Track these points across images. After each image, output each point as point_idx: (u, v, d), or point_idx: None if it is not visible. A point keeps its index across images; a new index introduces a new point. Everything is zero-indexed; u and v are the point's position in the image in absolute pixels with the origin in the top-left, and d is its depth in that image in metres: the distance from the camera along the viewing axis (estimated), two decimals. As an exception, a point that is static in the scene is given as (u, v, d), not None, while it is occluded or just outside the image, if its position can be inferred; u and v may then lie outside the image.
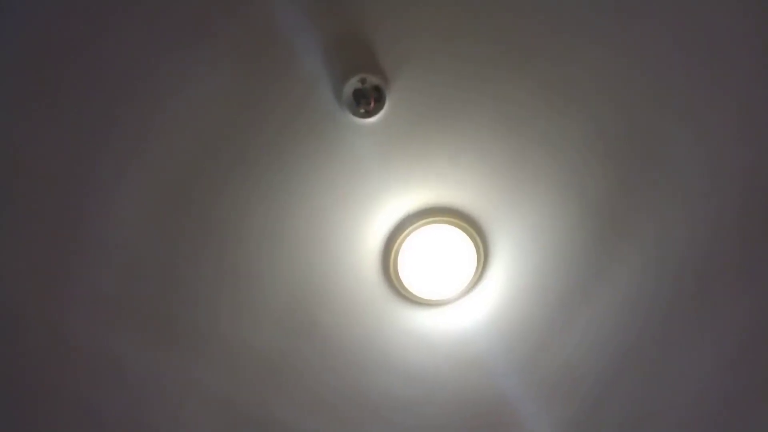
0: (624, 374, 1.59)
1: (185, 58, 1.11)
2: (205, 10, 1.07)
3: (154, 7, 1.06)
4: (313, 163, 1.23)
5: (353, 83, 1.13)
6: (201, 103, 1.15)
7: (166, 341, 1.37)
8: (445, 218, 1.34)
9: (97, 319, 1.31)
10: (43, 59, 1.07)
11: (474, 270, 1.39)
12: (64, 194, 1.19)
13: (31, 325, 1.29)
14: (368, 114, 1.16)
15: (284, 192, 1.25)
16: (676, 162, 1.33)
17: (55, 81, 1.10)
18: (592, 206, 1.36)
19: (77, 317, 1.30)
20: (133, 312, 1.32)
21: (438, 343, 1.49)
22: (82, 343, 1.33)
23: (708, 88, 1.26)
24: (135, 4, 1.05)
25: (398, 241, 1.35)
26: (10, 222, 1.20)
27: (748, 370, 1.61)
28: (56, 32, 1.06)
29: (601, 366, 1.57)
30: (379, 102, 1.15)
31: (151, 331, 1.35)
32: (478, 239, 1.35)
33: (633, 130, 1.29)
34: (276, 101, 1.16)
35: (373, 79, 1.13)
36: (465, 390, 1.56)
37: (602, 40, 1.18)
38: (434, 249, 1.37)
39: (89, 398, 1.39)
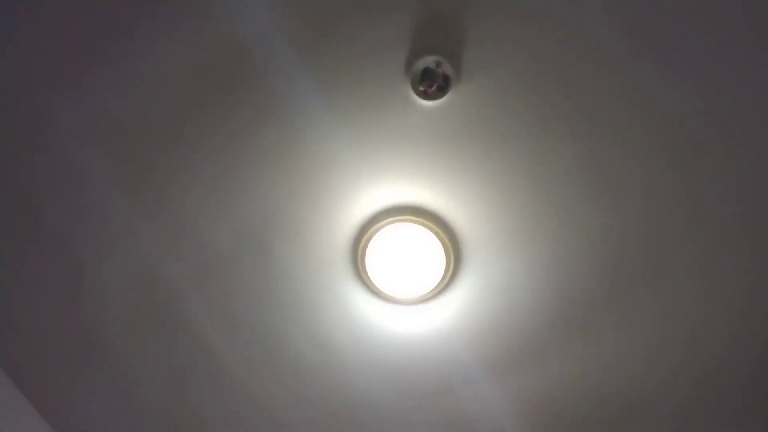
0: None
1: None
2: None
3: None
4: (353, 112, 1.22)
5: (428, 61, 1.13)
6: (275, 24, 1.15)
7: (133, 185, 1.33)
8: (430, 224, 1.34)
9: (87, 134, 1.28)
10: None
11: (437, 283, 1.40)
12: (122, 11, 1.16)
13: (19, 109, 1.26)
14: (426, 95, 1.16)
15: (305, 122, 1.24)
16: (661, 302, 1.37)
17: None
18: (567, 292, 1.39)
19: (71, 126, 1.27)
20: (122, 142, 1.29)
21: (377, 337, 1.49)
22: (59, 149, 1.29)
23: (730, 253, 1.29)
24: None
25: (376, 227, 1.36)
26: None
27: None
28: None
29: (548, 410, 1.58)
30: (442, 91, 1.16)
31: (126, 168, 1.32)
32: (453, 257, 1.36)
33: (640, 252, 1.32)
34: (347, 48, 1.15)
35: (447, 67, 1.14)
36: (374, 385, 1.56)
37: (669, 162, 1.21)
38: (407, 247, 1.38)
39: (36, 200, 1.36)
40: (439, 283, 1.40)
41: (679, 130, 1.19)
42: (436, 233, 1.35)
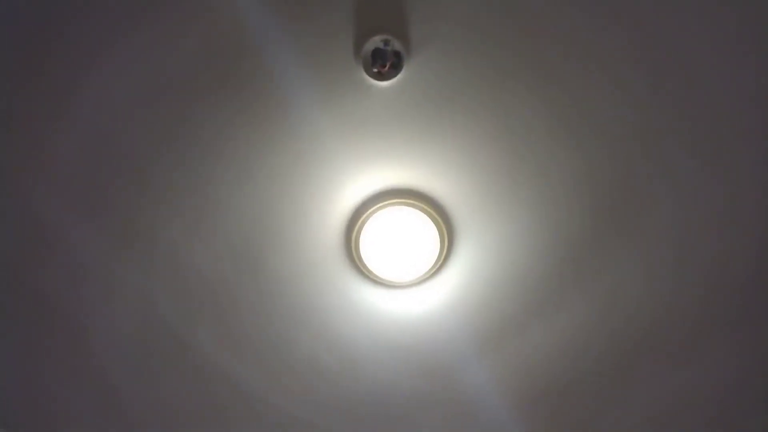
0: (564, 391, 1.62)
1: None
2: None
3: None
4: (310, 108, 1.22)
5: (376, 41, 1.13)
6: (212, 26, 1.14)
7: (116, 233, 1.35)
8: (417, 203, 1.35)
9: (55, 189, 1.29)
10: None
11: (434, 261, 1.40)
12: (66, 61, 1.16)
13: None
14: (381, 76, 1.16)
15: (272, 129, 1.25)
16: (650, 230, 1.36)
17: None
18: (559, 241, 1.38)
19: (37, 183, 1.28)
20: (95, 196, 1.31)
21: (382, 323, 1.50)
22: (32, 208, 1.30)
23: (702, 174, 1.29)
24: None
25: (366, 215, 1.36)
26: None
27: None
28: None
29: (539, 379, 1.59)
30: (395, 69, 1.16)
31: (106, 219, 1.33)
32: (445, 232, 1.36)
33: (621, 185, 1.31)
34: (291, 38, 1.15)
35: (396, 44, 1.13)
36: (393, 374, 1.57)
37: (621, 92, 1.21)
38: (400, 230, 1.38)
39: (22, 270, 1.37)
40: (437, 258, 1.40)
41: (619, 69, 1.19)
42: (424, 210, 1.36)
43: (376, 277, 1.42)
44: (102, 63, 1.17)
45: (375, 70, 1.15)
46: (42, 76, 1.17)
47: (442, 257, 1.40)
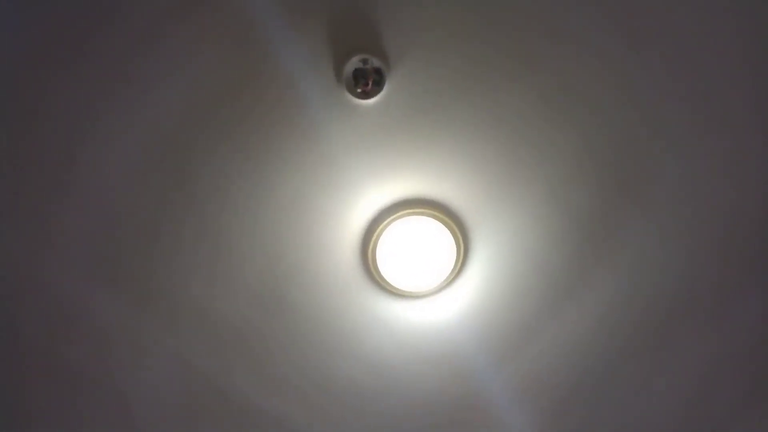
0: (594, 383, 1.61)
1: (189, 28, 1.11)
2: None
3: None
4: (304, 137, 1.23)
5: (355, 62, 1.14)
6: (199, 70, 1.15)
7: (136, 296, 1.37)
8: (427, 211, 1.35)
9: (69, 264, 1.31)
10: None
11: (453, 266, 1.39)
12: (57, 134, 1.19)
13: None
14: (365, 95, 1.17)
15: (272, 164, 1.26)
16: (659, 194, 1.35)
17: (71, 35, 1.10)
18: (573, 223, 1.38)
19: (51, 262, 1.30)
20: (109, 263, 1.32)
21: (410, 335, 1.49)
22: (51, 287, 1.33)
23: (700, 127, 1.28)
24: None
25: (378, 230, 1.36)
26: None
27: (702, 408, 1.65)
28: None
29: (571, 372, 1.58)
30: (378, 85, 1.16)
31: (124, 285, 1.35)
32: (459, 235, 1.36)
33: (622, 155, 1.30)
34: (275, 72, 1.16)
35: (375, 61, 1.14)
36: (432, 384, 1.57)
37: (604, 63, 1.20)
38: (414, 241, 1.38)
39: (51, 344, 1.39)
40: (456, 261, 1.40)
41: (601, 42, 1.18)
42: (435, 216, 1.35)
43: (399, 290, 1.42)
44: (92, 133, 1.18)
45: (359, 90, 1.15)
46: (33, 156, 1.19)
47: (461, 259, 1.40)
